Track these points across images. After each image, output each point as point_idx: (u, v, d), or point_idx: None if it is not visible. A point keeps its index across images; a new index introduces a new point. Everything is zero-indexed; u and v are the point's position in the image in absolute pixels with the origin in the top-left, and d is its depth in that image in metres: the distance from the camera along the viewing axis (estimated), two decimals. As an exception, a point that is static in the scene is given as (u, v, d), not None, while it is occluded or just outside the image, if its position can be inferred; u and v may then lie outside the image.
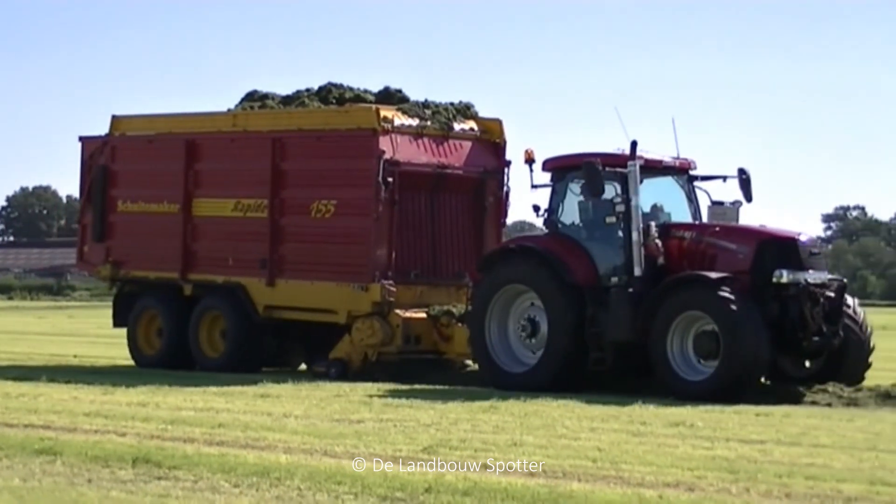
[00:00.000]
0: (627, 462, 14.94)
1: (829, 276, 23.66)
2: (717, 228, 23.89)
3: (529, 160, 25.05)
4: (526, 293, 24.72)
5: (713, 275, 22.80)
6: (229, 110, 29.83)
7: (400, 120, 27.18)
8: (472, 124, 28.41)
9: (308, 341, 29.22)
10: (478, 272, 25.70)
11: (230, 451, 15.69)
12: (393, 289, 26.67)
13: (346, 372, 26.69)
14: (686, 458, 15.25)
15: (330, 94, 28.93)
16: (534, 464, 14.64)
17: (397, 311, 26.67)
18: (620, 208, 23.79)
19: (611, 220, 23.98)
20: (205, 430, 17.72)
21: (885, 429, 18.38)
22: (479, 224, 28.49)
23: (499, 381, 24.61)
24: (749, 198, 25.05)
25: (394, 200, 26.72)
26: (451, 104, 28.32)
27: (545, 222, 25.04)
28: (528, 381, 24.02)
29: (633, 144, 24.09)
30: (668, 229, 24.17)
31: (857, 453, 15.73)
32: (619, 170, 23.96)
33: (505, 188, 28.48)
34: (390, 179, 26.55)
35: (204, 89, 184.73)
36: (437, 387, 24.50)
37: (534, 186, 25.13)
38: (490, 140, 28.51)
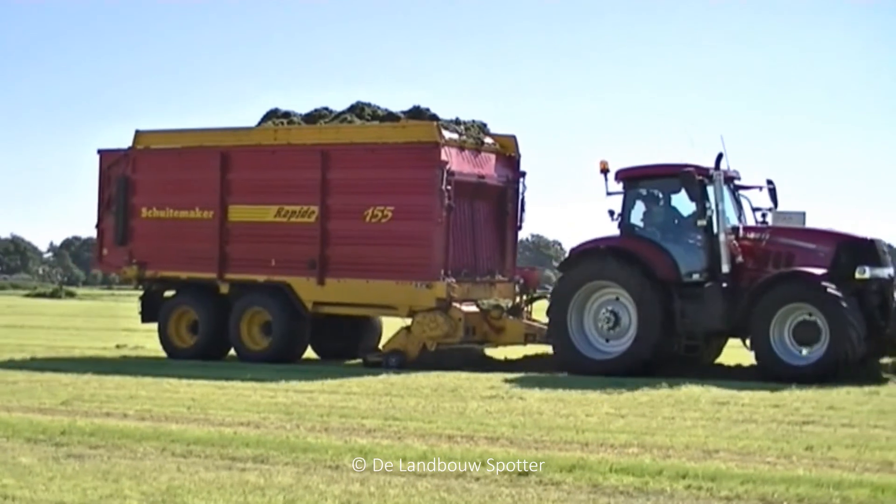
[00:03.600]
0: (213, 408, 15.64)
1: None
2: (795, 231, 20.89)
3: (604, 170, 21.52)
4: (607, 288, 21.15)
5: (816, 271, 19.80)
6: (259, 125, 25.13)
7: (448, 134, 23.20)
8: (490, 140, 24.60)
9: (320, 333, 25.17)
10: (560, 269, 22.11)
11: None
12: (456, 285, 22.77)
13: (405, 361, 22.67)
14: (255, 404, 16.03)
15: (363, 112, 24.48)
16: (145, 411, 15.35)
17: (455, 305, 22.78)
18: (710, 212, 20.62)
19: (702, 222, 20.66)
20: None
21: (398, 380, 19.21)
22: (501, 228, 24.72)
23: (580, 367, 20.91)
24: (776, 204, 22.17)
25: (450, 207, 22.76)
26: (473, 122, 24.50)
27: (619, 225, 21.48)
28: (616, 367, 20.46)
29: (719, 157, 20.93)
30: (737, 231, 21.08)
31: (377, 398, 16.78)
32: (700, 178, 20.80)
33: (521, 197, 24.79)
34: (449, 188, 22.60)
35: (203, 108, 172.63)
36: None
37: (608, 193, 21.56)
38: (506, 154, 24.74)
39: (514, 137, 24.86)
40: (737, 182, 21.96)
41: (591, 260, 21.26)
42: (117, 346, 28.55)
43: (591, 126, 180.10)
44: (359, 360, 24.26)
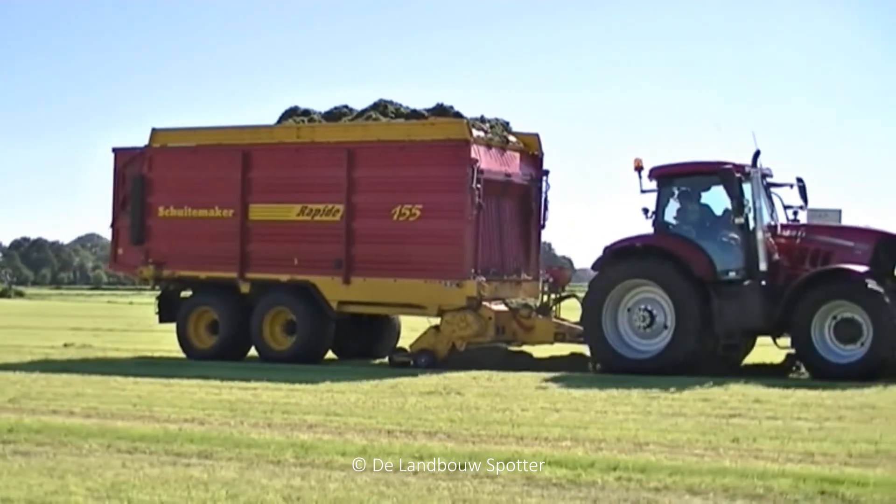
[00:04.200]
0: (159, 405, 15.87)
1: None
2: (832, 228, 21.02)
3: (638, 168, 21.56)
4: (642, 286, 21.20)
5: (859, 268, 19.92)
6: (279, 123, 25.00)
7: (476, 132, 23.13)
8: (514, 138, 24.58)
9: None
10: (594, 268, 22.06)
11: None
12: (485, 284, 22.72)
13: (434, 361, 22.62)
14: (201, 401, 16.34)
15: (387, 110, 24.39)
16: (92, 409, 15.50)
17: (485, 304, 22.74)
18: (747, 210, 20.71)
19: (739, 220, 20.74)
20: None
21: (341, 378, 19.48)
22: (526, 227, 24.72)
23: (616, 365, 20.98)
24: (805, 202, 22.28)
25: (479, 205, 22.70)
26: (497, 120, 24.46)
27: (654, 224, 21.55)
28: (652, 366, 20.49)
29: (756, 154, 21.02)
30: (773, 228, 21.23)
31: (318, 394, 17.20)
32: (738, 175, 20.89)
33: (544, 195, 24.80)
34: (478, 186, 22.55)
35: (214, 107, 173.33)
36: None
37: (643, 191, 21.63)
38: (529, 152, 24.73)
39: (537, 136, 24.89)
40: (769, 179, 22.09)
41: (627, 258, 21.29)
42: (65, 345, 28.65)
43: (593, 125, 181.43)
44: (384, 360, 24.23)
